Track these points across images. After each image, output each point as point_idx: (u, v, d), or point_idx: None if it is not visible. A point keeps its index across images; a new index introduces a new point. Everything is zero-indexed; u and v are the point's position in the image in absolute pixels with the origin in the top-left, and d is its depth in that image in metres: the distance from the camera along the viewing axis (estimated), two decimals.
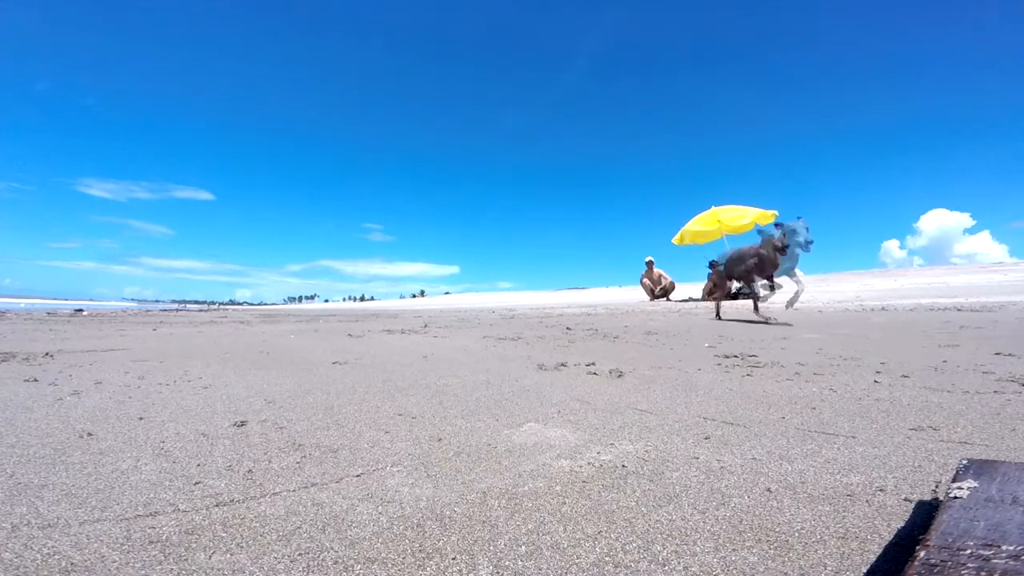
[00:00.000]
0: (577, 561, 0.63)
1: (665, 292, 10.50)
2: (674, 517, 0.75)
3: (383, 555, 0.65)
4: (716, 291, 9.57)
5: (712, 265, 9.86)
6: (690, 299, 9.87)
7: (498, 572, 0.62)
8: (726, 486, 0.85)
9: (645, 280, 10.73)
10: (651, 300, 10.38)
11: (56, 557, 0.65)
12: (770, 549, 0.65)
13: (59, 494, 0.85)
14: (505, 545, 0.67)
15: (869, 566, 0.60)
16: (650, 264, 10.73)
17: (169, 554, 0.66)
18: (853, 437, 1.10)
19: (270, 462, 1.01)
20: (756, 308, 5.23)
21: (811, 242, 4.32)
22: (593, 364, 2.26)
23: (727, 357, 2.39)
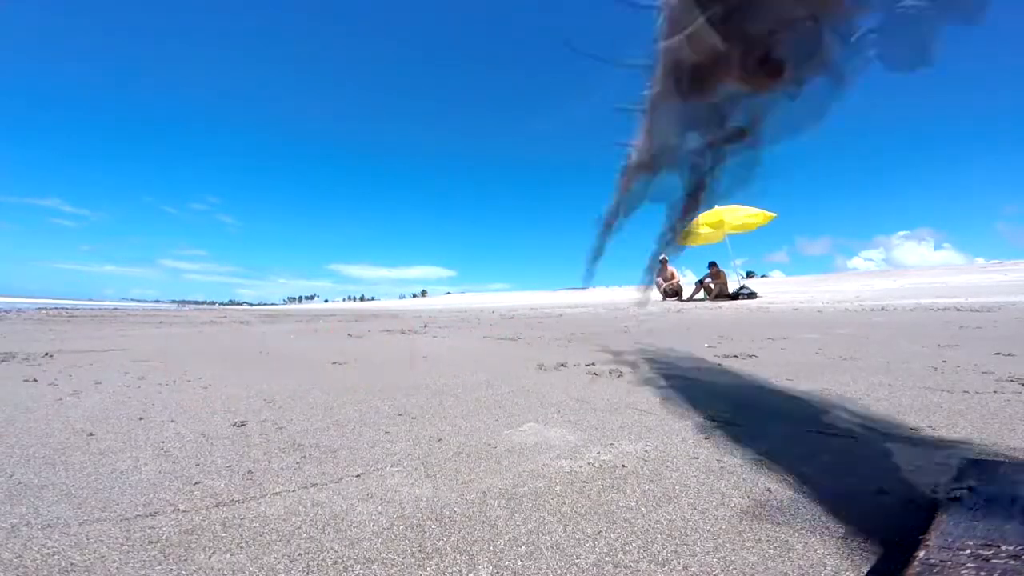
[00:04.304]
0: (577, 561, 0.63)
1: (675, 292, 10.47)
2: (674, 517, 0.75)
3: (383, 555, 0.65)
4: (699, 289, 9.65)
5: (711, 265, 9.89)
6: (692, 299, 9.89)
7: (498, 572, 0.62)
8: (726, 486, 0.85)
9: (659, 279, 10.65)
10: (663, 300, 10.35)
11: (56, 557, 0.65)
12: (770, 549, 0.65)
13: (59, 494, 0.85)
14: (505, 545, 0.68)
15: (869, 566, 0.60)
16: (664, 263, 10.66)
17: (169, 554, 0.66)
18: (853, 437, 1.10)
19: (270, 462, 1.01)
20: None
21: None
22: (593, 364, 2.26)
23: (727, 357, 2.39)
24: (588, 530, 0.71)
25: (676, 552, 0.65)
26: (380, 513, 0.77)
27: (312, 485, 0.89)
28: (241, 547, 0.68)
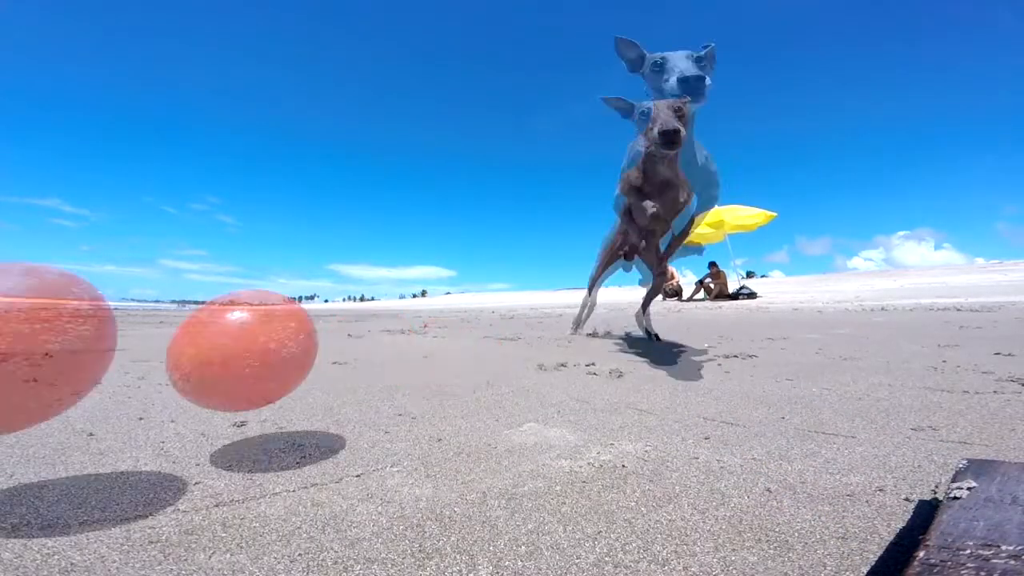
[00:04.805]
0: (577, 561, 0.63)
1: (675, 292, 10.47)
2: (674, 517, 0.74)
3: (383, 555, 0.65)
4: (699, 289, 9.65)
5: (711, 265, 9.89)
6: (692, 299, 9.89)
7: (498, 572, 0.62)
8: (726, 486, 0.85)
9: None
10: (663, 300, 10.35)
11: (56, 557, 0.65)
12: (770, 549, 0.65)
13: (59, 494, 0.85)
14: (505, 545, 0.67)
15: (869, 566, 0.60)
16: None
17: (169, 554, 0.66)
18: (853, 437, 1.10)
19: (270, 462, 1.01)
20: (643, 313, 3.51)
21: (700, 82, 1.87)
22: (593, 364, 2.26)
23: (727, 357, 2.39)
24: (588, 530, 0.71)
25: (676, 552, 0.65)
26: (380, 513, 0.77)
27: (312, 485, 0.89)
28: (241, 547, 0.68)
